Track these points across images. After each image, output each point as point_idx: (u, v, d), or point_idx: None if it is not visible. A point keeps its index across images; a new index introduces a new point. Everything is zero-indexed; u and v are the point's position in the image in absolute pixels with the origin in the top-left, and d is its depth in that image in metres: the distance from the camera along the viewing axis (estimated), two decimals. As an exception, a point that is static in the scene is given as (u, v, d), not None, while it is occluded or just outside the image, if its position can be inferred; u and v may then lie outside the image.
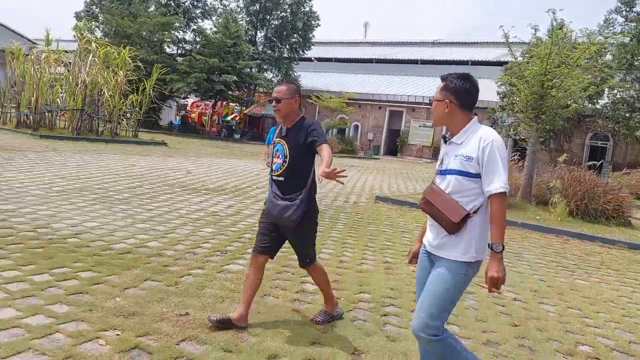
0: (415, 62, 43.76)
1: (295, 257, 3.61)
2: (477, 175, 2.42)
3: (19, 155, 10.76)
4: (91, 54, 17.60)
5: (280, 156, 3.34)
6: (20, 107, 16.89)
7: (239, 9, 38.28)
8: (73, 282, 3.83)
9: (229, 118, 37.69)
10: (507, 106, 28.07)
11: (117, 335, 3.03)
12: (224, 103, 36.49)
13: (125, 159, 12.90)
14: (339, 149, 27.51)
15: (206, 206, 7.71)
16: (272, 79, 39.08)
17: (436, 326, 2.40)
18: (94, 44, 17.64)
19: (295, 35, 38.42)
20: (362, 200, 10.50)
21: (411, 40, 50.23)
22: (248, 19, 38.11)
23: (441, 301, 2.41)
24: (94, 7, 40.68)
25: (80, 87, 16.82)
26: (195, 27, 36.96)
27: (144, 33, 31.25)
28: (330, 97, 31.13)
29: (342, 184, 3.50)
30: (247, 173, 13.25)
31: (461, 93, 2.53)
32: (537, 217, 9.72)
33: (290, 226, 3.32)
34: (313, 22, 38.42)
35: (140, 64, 19.60)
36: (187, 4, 37.11)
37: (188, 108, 39.90)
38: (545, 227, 8.86)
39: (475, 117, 2.58)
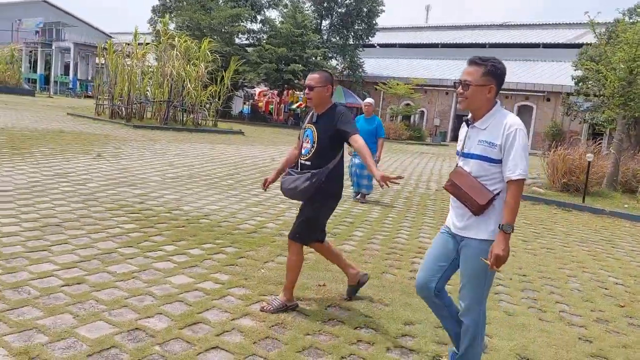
0: (482, 45, 42.59)
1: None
2: (500, 161, 2.49)
3: (125, 145, 11.85)
4: (175, 49, 18.71)
5: (310, 141, 3.40)
6: (114, 99, 18.29)
7: (304, -2, 38.78)
8: (221, 255, 4.48)
9: (294, 106, 38.52)
10: (584, 90, 27.07)
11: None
12: (290, 91, 37.32)
13: (213, 147, 13.80)
14: (406, 136, 27.55)
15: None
16: (337, 66, 39.46)
17: (476, 307, 2.61)
18: (177, 39, 18.71)
19: (359, 22, 38.46)
20: (439, 187, 10.77)
21: (478, 23, 48.86)
22: (314, 7, 38.54)
23: (478, 282, 2.58)
24: (169, 1, 42.58)
25: (167, 80, 17.99)
26: (262, 17, 37.88)
27: (216, 25, 32.48)
28: (397, 84, 31.07)
29: (398, 184, 3.60)
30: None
31: (502, 79, 2.56)
32: (626, 205, 9.61)
33: (296, 198, 3.41)
34: (377, 8, 38.29)
35: (217, 56, 20.56)
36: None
37: (255, 97, 41.08)
38: (636, 216, 8.78)
39: (499, 102, 2.60)
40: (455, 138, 36.41)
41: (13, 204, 5.41)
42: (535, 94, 33.89)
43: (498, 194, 2.50)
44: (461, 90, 2.56)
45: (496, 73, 2.53)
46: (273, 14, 39.09)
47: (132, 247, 4.42)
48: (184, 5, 36.20)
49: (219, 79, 20.55)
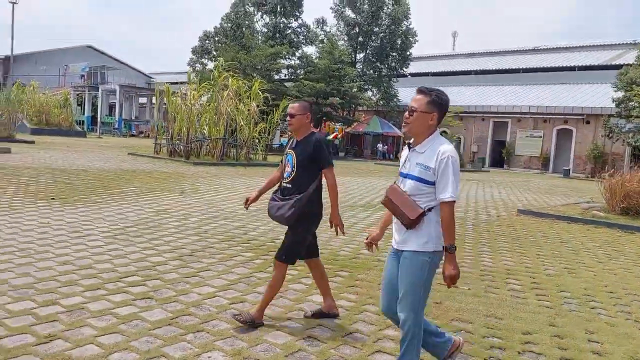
0: (516, 71, 42.97)
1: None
2: (433, 183, 2.71)
3: (197, 181, 12.73)
4: (228, 89, 19.86)
5: (290, 165, 3.68)
6: (173, 138, 19.45)
7: (339, 33, 40.19)
8: (339, 278, 5.07)
9: (330, 137, 39.52)
10: (626, 112, 27.03)
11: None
12: (326, 123, 38.38)
13: (261, 180, 14.57)
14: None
15: (373, 221, 8.88)
16: (372, 97, 40.43)
17: (414, 317, 2.78)
18: (231, 80, 19.88)
19: (393, 54, 39.49)
20: (503, 213, 11.16)
21: (509, 49, 49.30)
22: (348, 42, 39.85)
23: (413, 293, 2.76)
24: (207, 42, 44.73)
25: (222, 118, 19.09)
26: (299, 53, 39.38)
27: (257, 64, 33.99)
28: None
29: (337, 234, 3.84)
30: (382, 189, 14.37)
31: (444, 108, 2.80)
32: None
33: (283, 223, 3.67)
34: (411, 39, 39.32)
35: (268, 95, 21.68)
36: (291, 34, 39.66)
37: (336, 133, 42.22)
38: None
39: (438, 130, 2.84)
40: (494, 164, 36.55)
41: (142, 237, 6.17)
42: (574, 117, 33.89)
43: (430, 209, 2.73)
44: (407, 116, 2.79)
45: (439, 103, 2.76)
46: (310, 49, 40.48)
47: (262, 272, 5.07)
48: (225, 46, 37.96)
49: (267, 115, 21.59)
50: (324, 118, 35.40)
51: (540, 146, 34.70)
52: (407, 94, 42.59)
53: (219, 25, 43.40)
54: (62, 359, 2.98)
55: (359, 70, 39.07)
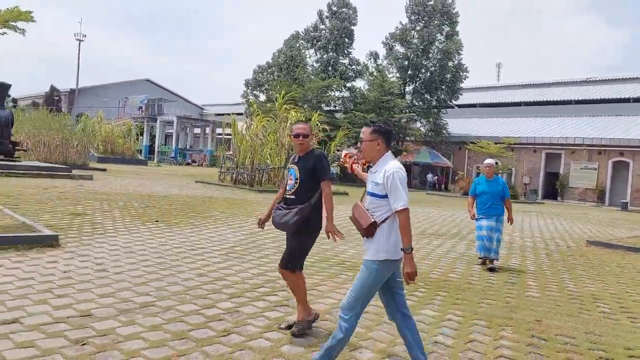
0: (568, 102, 42.61)
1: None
2: (384, 196, 3.14)
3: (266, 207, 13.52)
4: (288, 121, 20.89)
5: (293, 178, 3.96)
6: (238, 167, 20.53)
7: (389, 66, 41.17)
8: (439, 296, 5.58)
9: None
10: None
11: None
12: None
13: (336, 207, 15.22)
14: (501, 195, 27.83)
15: (449, 247, 9.31)
16: (421, 128, 40.89)
17: (348, 308, 3.22)
18: (292, 112, 20.92)
19: (442, 87, 40.02)
20: (571, 244, 11.32)
21: (560, 80, 48.94)
22: (398, 74, 40.72)
23: (358, 292, 3.21)
24: (260, 75, 46.60)
25: (284, 149, 20.05)
26: (349, 85, 40.53)
27: (308, 96, 35.27)
28: (488, 143, 31.76)
29: (335, 241, 3.96)
30: (442, 219, 14.74)
31: (388, 135, 3.35)
32: None
33: (287, 229, 3.91)
34: (461, 74, 39.80)
35: (326, 127, 22.62)
36: (342, 67, 40.94)
37: (341, 158, 43.07)
38: None
39: (389, 152, 3.34)
40: (546, 196, 36.02)
41: (250, 255, 6.88)
42: (631, 149, 33.19)
43: (383, 222, 3.16)
44: (359, 145, 3.48)
45: (381, 131, 3.33)
46: (359, 82, 41.60)
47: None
48: (276, 79, 39.51)
49: (325, 145, 22.43)
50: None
51: (596, 178, 34.03)
52: (455, 125, 42.87)
53: (271, 60, 45.36)
54: (246, 348, 3.64)
55: (408, 101, 39.74)
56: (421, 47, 38.44)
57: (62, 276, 5.11)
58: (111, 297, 4.56)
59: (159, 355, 3.40)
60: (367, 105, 35.02)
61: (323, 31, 41.51)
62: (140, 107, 60.44)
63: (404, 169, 3.21)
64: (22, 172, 16.80)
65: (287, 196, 3.95)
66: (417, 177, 41.36)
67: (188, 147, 55.82)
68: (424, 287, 6.00)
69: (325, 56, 41.28)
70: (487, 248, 7.49)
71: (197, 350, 3.52)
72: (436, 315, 4.88)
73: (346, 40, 40.93)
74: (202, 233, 8.48)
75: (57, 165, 19.50)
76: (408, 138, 40.66)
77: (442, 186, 37.95)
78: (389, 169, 3.16)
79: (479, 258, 7.71)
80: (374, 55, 42.26)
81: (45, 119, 26.39)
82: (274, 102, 37.85)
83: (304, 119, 21.76)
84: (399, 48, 40.67)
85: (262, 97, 45.31)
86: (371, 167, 3.37)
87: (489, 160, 7.89)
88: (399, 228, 3.12)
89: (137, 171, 26.89)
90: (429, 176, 37.69)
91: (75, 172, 18.71)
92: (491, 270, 7.30)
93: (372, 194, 3.24)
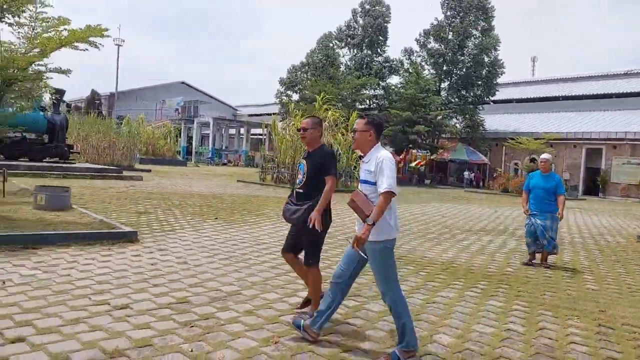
0: (609, 96, 41.51)
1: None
2: (374, 183, 3.38)
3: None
4: (327, 120, 21.21)
5: (302, 173, 4.10)
6: (279, 167, 21.00)
7: (424, 63, 41.02)
8: (502, 290, 5.79)
9: (412, 164, 39.93)
10: None
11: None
12: (410, 151, 38.92)
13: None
14: (542, 191, 27.46)
15: (500, 243, 9.45)
16: (457, 124, 40.58)
17: (389, 294, 3.45)
18: (330, 112, 21.24)
19: (479, 83, 39.63)
20: (620, 240, 11.27)
21: (599, 74, 47.63)
22: (433, 71, 40.53)
23: (383, 277, 3.46)
24: (294, 75, 47.11)
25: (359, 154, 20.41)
26: (384, 83, 40.59)
27: (344, 94, 35.53)
28: (527, 139, 31.34)
29: (312, 227, 3.92)
30: (486, 216, 14.80)
31: (380, 127, 3.61)
32: None
33: (297, 226, 4.07)
34: (498, 70, 39.34)
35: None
36: (376, 65, 41.04)
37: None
38: None
39: (379, 143, 3.59)
40: (587, 192, 35.27)
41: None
42: (679, 143, 32.13)
43: None
44: (353, 135, 3.65)
45: (374, 123, 3.57)
46: (394, 80, 41.55)
47: (454, 288, 5.92)
48: (311, 79, 39.86)
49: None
50: (410, 146, 36.01)
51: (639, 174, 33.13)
52: (492, 121, 42.35)
53: (304, 60, 45.84)
54: (335, 333, 3.97)
55: (444, 98, 39.51)
56: (457, 42, 38.16)
57: (150, 268, 5.57)
58: (200, 287, 4.98)
59: (260, 336, 3.76)
60: (402, 102, 35.01)
61: (356, 30, 41.66)
62: (177, 109, 61.90)
63: (393, 159, 3.46)
64: (77, 173, 17.70)
65: (296, 190, 4.13)
66: (452, 174, 41.07)
67: (223, 148, 56.89)
68: (485, 280, 6.21)
69: (359, 54, 41.46)
70: (539, 244, 7.35)
71: (292, 333, 3.86)
72: (502, 305, 5.10)
73: (380, 38, 41.01)
74: (261, 229, 8.89)
75: (108, 167, 20.37)
76: (444, 135, 40.40)
77: (480, 183, 37.58)
78: (379, 156, 3.41)
79: (529, 254, 7.54)
80: (409, 52, 42.21)
81: (93, 123, 27.52)
82: (307, 101, 38.52)
83: (341, 119, 22.09)
84: (434, 44, 40.47)
85: (295, 97, 45.82)
86: (362, 157, 3.59)
87: (545, 155, 7.62)
88: (393, 210, 3.43)
89: (179, 172, 27.76)
90: (466, 173, 37.40)
91: (125, 173, 19.53)
92: (546, 267, 7.24)
93: (366, 182, 3.48)
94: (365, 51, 41.27)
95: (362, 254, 3.45)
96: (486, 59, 38.94)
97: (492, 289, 5.80)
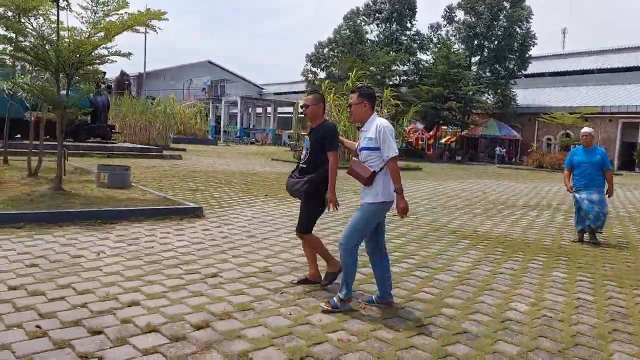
0: (646, 68, 40.14)
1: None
2: (377, 149, 3.64)
3: (347, 182, 14.07)
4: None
5: (305, 149, 4.26)
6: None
7: (453, 38, 40.30)
8: (562, 262, 5.93)
9: (442, 141, 39.56)
10: None
11: None
12: (440, 127, 38.55)
13: (418, 183, 15.58)
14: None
15: (548, 219, 9.51)
16: (488, 100, 39.94)
17: (347, 241, 3.72)
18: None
19: (511, 56, 38.78)
20: (669, 214, 11.18)
21: (634, 45, 45.96)
22: (463, 46, 39.80)
23: (355, 225, 3.72)
24: (320, 51, 46.84)
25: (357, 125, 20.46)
26: (414, 59, 40.06)
27: (374, 70, 35.24)
28: (562, 114, 30.74)
29: (329, 210, 4.16)
30: (526, 192, 14.77)
31: (372, 97, 3.83)
32: None
33: (297, 196, 4.26)
34: (530, 41, 38.41)
35: (399, 102, 22.78)
36: (406, 41, 40.49)
37: (404, 134, 42.92)
38: None
39: (375, 113, 3.85)
40: (623, 167, 34.53)
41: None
42: None
43: (379, 170, 3.65)
44: (349, 110, 3.90)
45: (366, 94, 3.80)
46: (423, 55, 40.96)
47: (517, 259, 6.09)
48: (339, 56, 39.58)
49: (396, 122, 22.62)
50: (441, 122, 35.69)
51: (679, 147, 32.22)
52: (523, 96, 41.55)
53: (332, 36, 45.49)
54: (415, 300, 4.20)
55: (474, 73, 38.84)
56: (490, 16, 37.30)
57: (224, 240, 5.89)
58: (275, 258, 5.26)
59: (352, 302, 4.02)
60: (433, 78, 34.58)
61: (384, 4, 41.02)
62: (204, 89, 62.41)
63: (391, 126, 3.75)
64: (120, 153, 18.25)
65: (301, 165, 4.25)
66: (483, 150, 40.60)
67: (251, 127, 57.31)
68: (543, 253, 6.34)
69: (388, 30, 40.93)
70: (591, 220, 6.98)
71: (361, 298, 4.10)
72: (567, 276, 5.24)
73: (408, 11, 40.31)
74: (348, 205, 9.14)
75: (149, 146, 20.91)
76: (474, 111, 39.83)
77: (512, 159, 37.10)
78: (379, 124, 3.68)
79: (577, 232, 7.27)
80: (435, 28, 41.49)
81: (130, 103, 28.09)
82: (335, 78, 38.38)
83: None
84: (464, 18, 39.66)
85: (322, 75, 45.64)
86: (360, 127, 3.84)
87: (586, 129, 7.26)
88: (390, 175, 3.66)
89: (212, 150, 28.26)
90: (498, 149, 36.95)
91: (165, 152, 20.02)
92: (595, 243, 7.04)
93: (367, 148, 3.72)
94: (394, 26, 40.70)
95: (402, 216, 3.76)
96: (518, 31, 38.02)
97: (553, 261, 5.93)
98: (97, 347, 2.92)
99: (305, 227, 4.28)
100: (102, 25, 7.56)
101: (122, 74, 70.07)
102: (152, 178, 11.78)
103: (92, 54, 7.67)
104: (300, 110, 4.14)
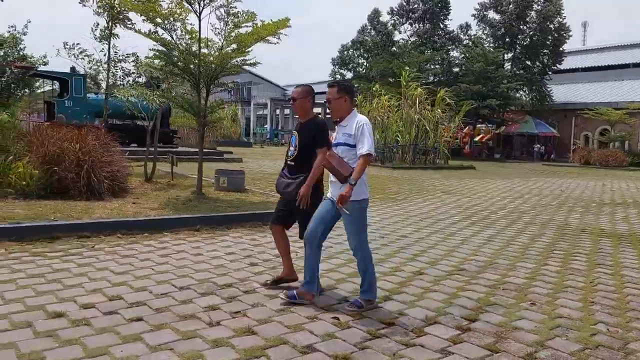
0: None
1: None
2: (354, 145, 3.56)
3: (431, 182, 14.30)
4: (414, 97, 21.39)
5: (293, 145, 4.02)
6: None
7: (484, 36, 40.22)
8: None
9: (476, 139, 39.45)
10: None
11: None
12: (475, 126, 38.47)
13: (484, 182, 15.75)
14: (627, 162, 26.95)
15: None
16: (523, 96, 39.77)
17: (360, 246, 3.68)
18: (419, 89, 21.40)
19: (544, 51, 38.61)
20: None
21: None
22: (494, 43, 39.69)
23: (355, 231, 3.66)
24: (347, 52, 47.11)
25: (414, 125, 20.67)
26: (448, 57, 40.07)
27: (409, 70, 35.38)
28: (607, 110, 30.52)
29: (301, 207, 3.86)
30: (599, 189, 14.82)
31: (352, 92, 3.80)
32: None
33: (290, 198, 3.93)
34: (564, 35, 38.22)
35: (452, 102, 22.90)
36: (441, 39, 40.58)
37: (457, 133, 42.60)
38: None
39: (355, 108, 3.78)
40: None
41: (502, 220, 7.69)
42: None
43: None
44: (329, 105, 3.75)
45: (345, 88, 3.75)
46: (455, 54, 40.98)
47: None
48: (365, 55, 39.67)
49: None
50: (480, 120, 35.69)
51: None
52: (557, 92, 41.24)
53: (355, 38, 45.84)
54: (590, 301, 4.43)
55: (507, 70, 38.72)
56: (515, 13, 37.22)
57: (395, 237, 6.18)
58: (451, 258, 5.53)
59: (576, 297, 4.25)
60: (469, 77, 34.61)
61: (416, 5, 41.15)
62: (230, 91, 62.91)
63: (370, 123, 3.69)
64: (185, 157, 18.68)
65: (289, 162, 4.04)
66: (518, 147, 40.35)
67: (279, 128, 57.79)
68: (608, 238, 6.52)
69: (421, 29, 41.03)
70: None
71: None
72: None
73: (442, 10, 40.40)
74: (424, 205, 9.42)
75: (211, 150, 21.35)
76: (509, 108, 39.63)
77: (552, 156, 36.86)
78: (359, 121, 3.62)
79: None
80: (465, 28, 41.52)
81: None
82: (362, 79, 38.59)
83: (424, 95, 22.18)
84: (493, 16, 39.60)
85: (349, 75, 45.93)
86: (338, 121, 3.75)
87: None
88: (365, 172, 3.57)
89: (253, 152, 28.63)
90: (536, 146, 36.80)
91: (225, 155, 20.43)
92: None
93: (345, 144, 3.65)
94: (427, 25, 40.79)
95: (345, 210, 3.55)
96: (551, 26, 37.87)
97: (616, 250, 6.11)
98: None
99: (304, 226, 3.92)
100: (234, 37, 7.90)
101: (148, 77, 71.36)
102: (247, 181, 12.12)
103: (229, 65, 8.00)
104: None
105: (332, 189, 3.75)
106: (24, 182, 7.04)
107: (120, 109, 16.72)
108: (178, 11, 7.87)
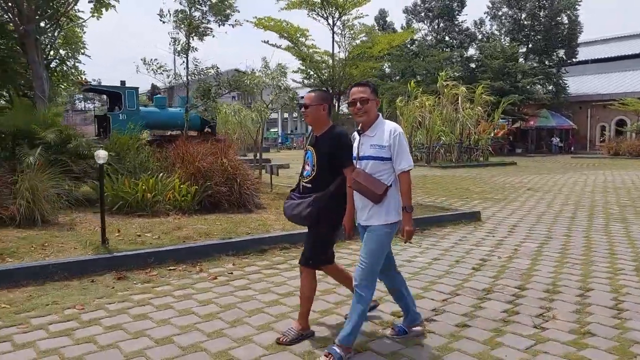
0: None
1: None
2: (389, 159, 2.98)
3: (506, 179, 14.55)
4: (459, 98, 21.55)
5: (310, 164, 3.28)
6: (413, 146, 21.65)
7: (497, 32, 40.64)
8: None
9: (491, 135, 39.73)
10: None
11: None
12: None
13: (543, 177, 16.01)
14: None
15: None
16: (539, 90, 40.18)
17: (367, 277, 3.01)
18: (462, 88, 21.60)
19: (560, 45, 39.08)
20: None
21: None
22: (508, 39, 40.08)
23: (374, 258, 3.00)
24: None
25: (458, 124, 20.92)
26: (467, 54, 40.44)
27: (429, 69, 35.64)
28: (633, 100, 30.88)
29: (345, 239, 3.57)
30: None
31: (376, 91, 3.12)
32: None
33: (299, 222, 3.33)
34: (576, 29, 38.69)
35: (491, 99, 23.13)
36: (459, 37, 41.00)
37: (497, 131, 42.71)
38: None
39: (380, 114, 3.13)
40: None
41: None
42: None
43: (390, 185, 3.01)
44: (360, 106, 3.04)
45: (376, 90, 3.14)
46: (472, 51, 41.37)
47: None
48: (397, 57, 39.92)
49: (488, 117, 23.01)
50: (502, 115, 36.02)
51: None
52: (571, 84, 41.62)
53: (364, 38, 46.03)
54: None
55: (521, 64, 39.08)
56: (534, 6, 37.66)
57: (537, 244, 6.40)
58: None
59: None
60: (488, 73, 34.96)
61: (434, 2, 41.45)
62: (234, 97, 62.76)
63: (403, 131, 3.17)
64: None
65: (303, 183, 3.33)
66: (537, 141, 40.59)
67: (289, 132, 57.90)
68: None
69: (439, 26, 41.39)
70: None
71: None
72: None
73: (457, 6, 40.79)
74: (530, 207, 9.66)
75: (256, 158, 21.44)
76: (528, 102, 39.85)
77: (571, 148, 37.25)
78: (393, 129, 3.03)
79: None
80: (479, 24, 41.92)
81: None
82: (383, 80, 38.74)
83: (463, 92, 22.43)
84: (507, 11, 40.00)
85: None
86: (360, 130, 3.14)
87: None
88: (399, 189, 3.06)
89: (277, 157, 28.65)
90: (554, 140, 37.18)
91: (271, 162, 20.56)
92: None
93: (378, 158, 3.03)
94: (444, 23, 41.17)
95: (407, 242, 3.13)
96: (566, 19, 38.36)
97: None
98: None
99: (314, 258, 3.31)
100: (355, 46, 8.11)
101: (153, 87, 71.11)
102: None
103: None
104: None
105: (360, 214, 3.16)
106: (183, 198, 7.20)
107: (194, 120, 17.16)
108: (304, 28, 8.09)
